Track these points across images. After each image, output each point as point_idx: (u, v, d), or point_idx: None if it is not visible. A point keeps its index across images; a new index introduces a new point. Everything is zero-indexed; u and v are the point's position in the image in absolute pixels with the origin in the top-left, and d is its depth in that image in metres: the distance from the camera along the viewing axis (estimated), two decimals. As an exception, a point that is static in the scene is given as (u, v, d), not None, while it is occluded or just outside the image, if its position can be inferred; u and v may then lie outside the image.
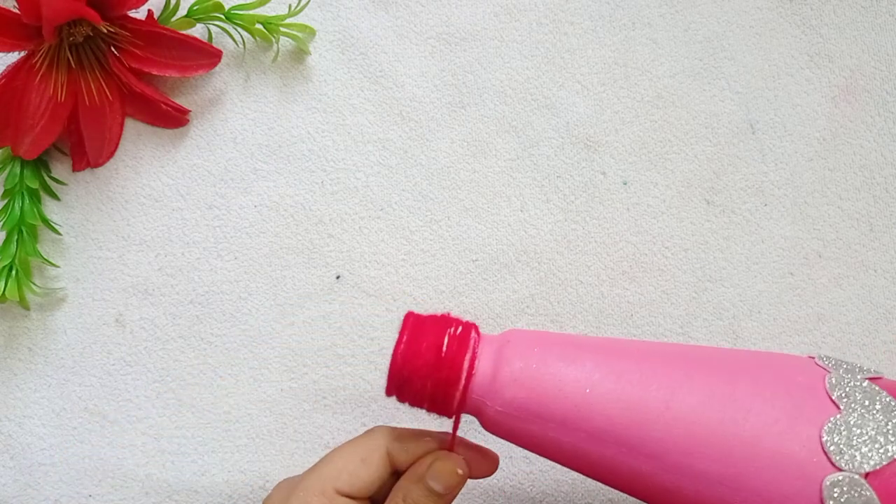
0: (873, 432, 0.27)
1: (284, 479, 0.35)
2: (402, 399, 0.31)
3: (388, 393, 0.31)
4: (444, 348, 0.30)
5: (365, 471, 0.33)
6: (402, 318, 0.31)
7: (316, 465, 0.33)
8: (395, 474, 0.33)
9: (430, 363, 0.30)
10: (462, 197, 0.44)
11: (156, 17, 0.42)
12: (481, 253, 0.44)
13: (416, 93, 0.45)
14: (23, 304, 0.43)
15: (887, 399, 0.28)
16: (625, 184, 0.44)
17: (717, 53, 0.45)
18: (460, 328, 0.30)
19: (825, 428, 0.28)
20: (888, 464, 0.27)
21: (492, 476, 0.42)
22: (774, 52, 0.45)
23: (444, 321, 0.31)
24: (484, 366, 0.30)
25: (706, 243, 0.44)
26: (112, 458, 0.42)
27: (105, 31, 0.41)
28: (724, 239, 0.44)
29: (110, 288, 0.44)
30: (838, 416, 0.28)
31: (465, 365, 0.30)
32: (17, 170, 0.43)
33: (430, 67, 0.45)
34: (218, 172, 0.44)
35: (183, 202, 0.44)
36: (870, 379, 0.30)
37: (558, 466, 0.42)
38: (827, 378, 0.29)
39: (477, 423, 0.31)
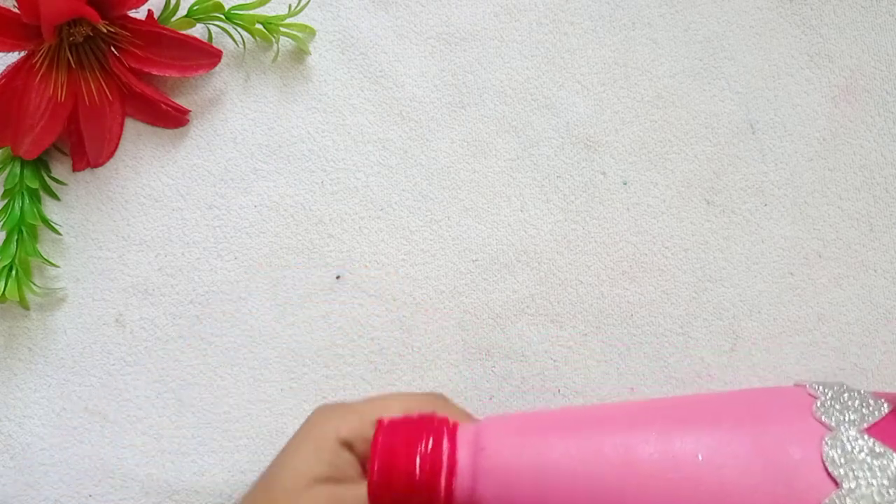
0: None
1: (324, 404, 0.37)
2: None
3: None
4: (418, 472, 0.29)
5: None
6: (375, 429, 0.31)
7: (372, 397, 0.36)
8: None
9: (407, 489, 0.29)
10: (462, 197, 0.44)
11: (156, 17, 0.42)
12: (481, 253, 0.44)
13: (416, 93, 0.45)
14: (23, 304, 0.43)
15: (893, 468, 0.26)
16: (625, 184, 0.44)
17: (717, 53, 0.45)
18: (431, 442, 0.29)
19: None
20: None
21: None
22: (774, 52, 0.45)
23: (415, 433, 0.29)
24: (462, 476, 0.29)
25: (706, 243, 0.44)
26: (112, 458, 0.42)
27: (105, 30, 0.41)
28: (724, 239, 0.44)
29: (110, 288, 0.44)
30: (835, 494, 0.26)
31: (442, 484, 0.29)
32: (17, 170, 0.43)
33: (430, 67, 0.45)
34: (218, 172, 0.44)
35: (183, 202, 0.44)
36: (875, 395, 0.28)
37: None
38: (824, 444, 0.26)
39: None
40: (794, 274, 0.44)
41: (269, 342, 0.43)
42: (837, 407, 0.28)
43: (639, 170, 0.44)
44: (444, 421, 0.30)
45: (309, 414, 0.36)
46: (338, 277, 0.44)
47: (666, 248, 0.44)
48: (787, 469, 0.26)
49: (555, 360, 0.43)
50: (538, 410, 0.36)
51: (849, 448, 0.26)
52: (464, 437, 0.30)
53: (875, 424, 0.27)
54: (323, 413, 0.36)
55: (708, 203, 0.44)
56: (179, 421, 0.43)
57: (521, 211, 0.44)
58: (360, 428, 0.34)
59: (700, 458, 0.27)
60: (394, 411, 0.33)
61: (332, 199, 0.44)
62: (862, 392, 0.28)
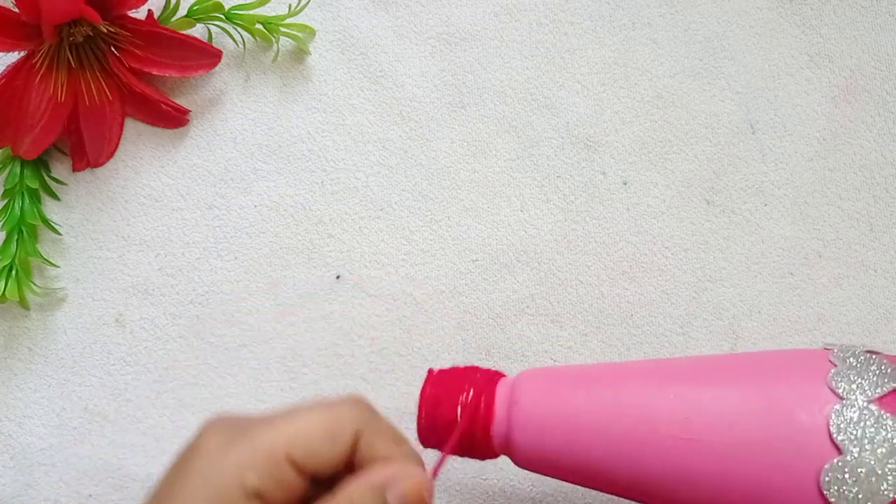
0: (874, 479, 0.26)
1: (220, 417, 0.29)
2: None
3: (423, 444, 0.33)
4: (459, 420, 0.32)
5: (328, 448, 0.28)
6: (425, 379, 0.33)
7: (274, 416, 0.28)
8: (346, 463, 0.28)
9: (450, 434, 0.32)
10: (462, 197, 0.44)
11: (156, 17, 0.42)
12: (481, 253, 0.44)
13: (416, 93, 0.45)
14: (23, 304, 0.43)
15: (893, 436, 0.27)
16: (625, 184, 0.44)
17: (717, 53, 0.45)
18: (471, 393, 0.32)
19: (824, 471, 0.27)
20: None
21: (489, 474, 0.42)
22: (774, 52, 0.45)
23: (458, 385, 0.32)
24: (498, 424, 0.32)
25: (706, 243, 0.44)
26: (112, 458, 0.42)
27: (105, 30, 0.41)
28: (724, 239, 0.44)
29: (110, 288, 0.44)
30: (837, 459, 0.27)
31: (480, 432, 0.32)
32: (17, 170, 0.43)
33: (430, 67, 0.45)
34: (218, 172, 0.44)
35: (183, 202, 0.44)
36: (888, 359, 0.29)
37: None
38: (832, 411, 0.28)
39: None
40: (794, 274, 0.44)
41: (269, 342, 0.43)
42: (852, 375, 0.28)
43: (639, 170, 0.44)
44: (486, 373, 0.33)
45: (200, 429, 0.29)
46: (338, 277, 0.44)
47: (666, 248, 0.44)
48: (795, 433, 0.27)
49: (555, 360, 0.43)
50: (568, 366, 0.37)
51: (855, 417, 0.27)
52: (501, 389, 0.32)
53: (887, 395, 0.28)
54: (219, 440, 0.28)
55: (708, 203, 0.44)
56: (179, 421, 0.43)
57: (521, 211, 0.44)
58: (273, 469, 0.27)
59: (714, 416, 0.28)
60: (309, 432, 0.27)
61: (332, 199, 0.44)
62: (884, 360, 0.29)
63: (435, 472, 0.30)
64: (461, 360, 0.43)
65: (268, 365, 0.43)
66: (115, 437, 0.42)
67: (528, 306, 0.43)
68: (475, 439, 0.32)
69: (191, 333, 0.43)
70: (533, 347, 0.43)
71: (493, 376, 0.33)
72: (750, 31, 0.45)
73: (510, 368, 0.42)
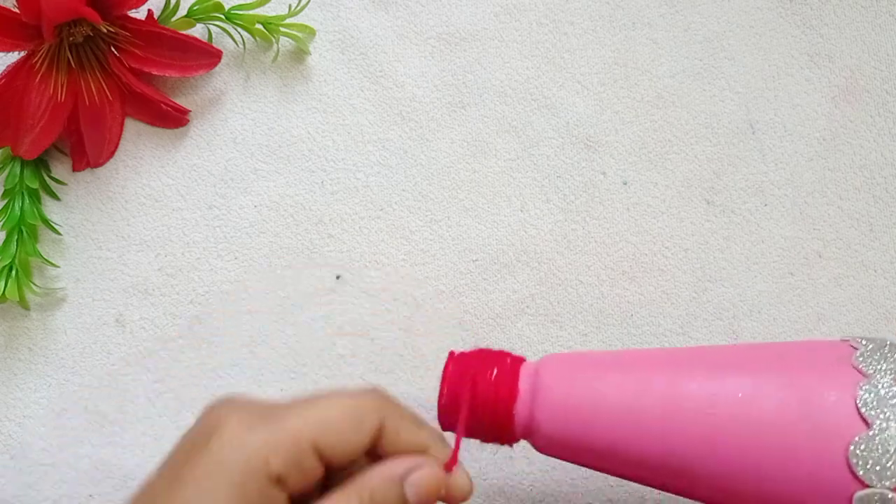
0: None
1: (232, 399, 0.28)
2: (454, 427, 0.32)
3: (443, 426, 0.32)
4: (472, 394, 0.31)
5: (354, 436, 0.27)
6: (447, 359, 0.33)
7: (301, 401, 0.28)
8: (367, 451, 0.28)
9: (471, 414, 0.31)
10: (462, 197, 0.44)
11: (156, 17, 0.42)
12: (481, 253, 0.44)
13: (416, 93, 0.45)
14: (23, 304, 0.43)
15: None
16: (625, 184, 0.44)
17: (717, 53, 0.45)
18: (495, 373, 0.32)
19: (854, 443, 0.28)
20: None
21: (489, 474, 0.42)
22: (774, 52, 0.45)
23: (482, 365, 0.32)
24: (521, 404, 0.31)
25: (706, 243, 0.44)
26: (112, 458, 0.42)
27: (105, 30, 0.41)
28: (724, 239, 0.44)
29: (110, 288, 0.44)
30: (866, 433, 0.28)
31: (503, 412, 0.31)
32: (17, 170, 0.43)
33: (430, 67, 0.45)
34: (218, 172, 0.44)
35: (183, 202, 0.44)
36: None
37: (558, 467, 0.42)
38: (859, 388, 0.29)
39: None
40: (794, 274, 0.44)
41: (269, 342, 0.43)
42: (877, 357, 0.29)
43: (639, 170, 0.44)
44: (509, 355, 0.33)
45: (215, 405, 0.28)
46: (338, 277, 0.44)
47: (666, 248, 0.44)
48: (822, 409, 0.28)
49: (555, 360, 0.43)
50: (592, 351, 0.37)
51: (882, 393, 0.28)
52: (525, 371, 0.32)
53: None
54: (241, 421, 0.27)
55: (708, 203, 0.44)
56: (179, 421, 0.43)
57: (521, 211, 0.44)
58: (297, 456, 0.26)
59: (740, 395, 0.29)
60: (335, 420, 0.27)
61: (332, 199, 0.44)
62: None
63: (454, 457, 0.30)
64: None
65: (268, 365, 0.43)
66: (115, 437, 0.42)
67: (528, 306, 0.43)
68: (496, 420, 0.31)
69: (191, 333, 0.43)
70: (533, 347, 0.43)
71: (517, 359, 0.33)
72: (750, 31, 0.45)
73: (510, 368, 0.42)
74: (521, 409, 0.31)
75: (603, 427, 0.31)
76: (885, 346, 0.30)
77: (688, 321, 0.43)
